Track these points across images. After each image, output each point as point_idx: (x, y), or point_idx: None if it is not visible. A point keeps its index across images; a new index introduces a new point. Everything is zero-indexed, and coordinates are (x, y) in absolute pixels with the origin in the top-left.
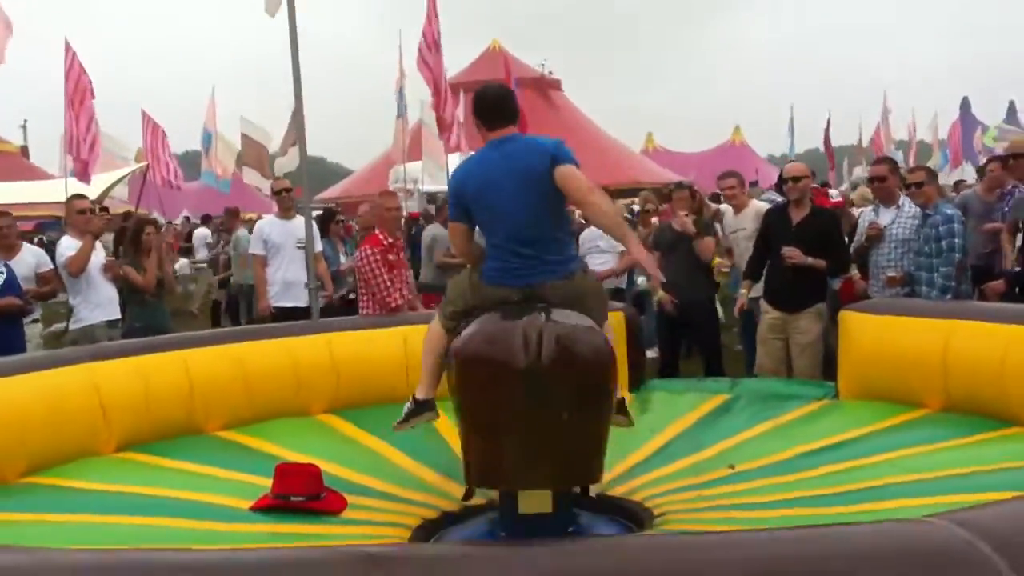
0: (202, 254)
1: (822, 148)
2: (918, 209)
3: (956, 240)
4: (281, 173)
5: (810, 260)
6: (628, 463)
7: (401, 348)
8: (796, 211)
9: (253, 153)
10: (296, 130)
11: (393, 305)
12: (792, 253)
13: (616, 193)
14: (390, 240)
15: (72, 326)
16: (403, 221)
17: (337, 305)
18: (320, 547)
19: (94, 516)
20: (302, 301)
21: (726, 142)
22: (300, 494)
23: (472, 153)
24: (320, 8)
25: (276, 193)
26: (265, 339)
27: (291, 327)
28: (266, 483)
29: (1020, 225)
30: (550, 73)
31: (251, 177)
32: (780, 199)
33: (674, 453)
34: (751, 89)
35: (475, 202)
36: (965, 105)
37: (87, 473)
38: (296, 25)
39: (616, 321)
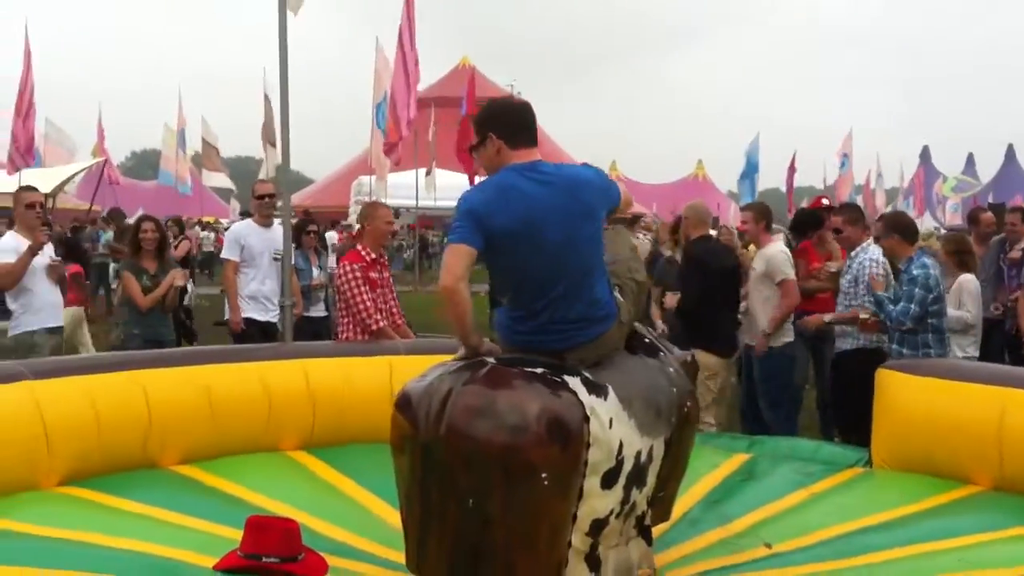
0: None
1: (783, 188)
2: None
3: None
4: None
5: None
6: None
7: (386, 379)
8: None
9: (211, 155)
10: (281, 132)
11: (374, 327)
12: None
13: None
14: (373, 256)
15: (9, 332)
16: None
17: (304, 324)
18: None
19: (30, 569)
20: (273, 317)
21: (688, 176)
22: (275, 554)
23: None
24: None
25: (259, 198)
26: (234, 362)
27: (262, 350)
28: (233, 535)
29: None
30: (519, 94)
31: (211, 180)
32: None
33: (700, 524)
34: (716, 124)
35: (511, 241)
36: (925, 155)
37: (25, 511)
38: (286, 28)
39: None
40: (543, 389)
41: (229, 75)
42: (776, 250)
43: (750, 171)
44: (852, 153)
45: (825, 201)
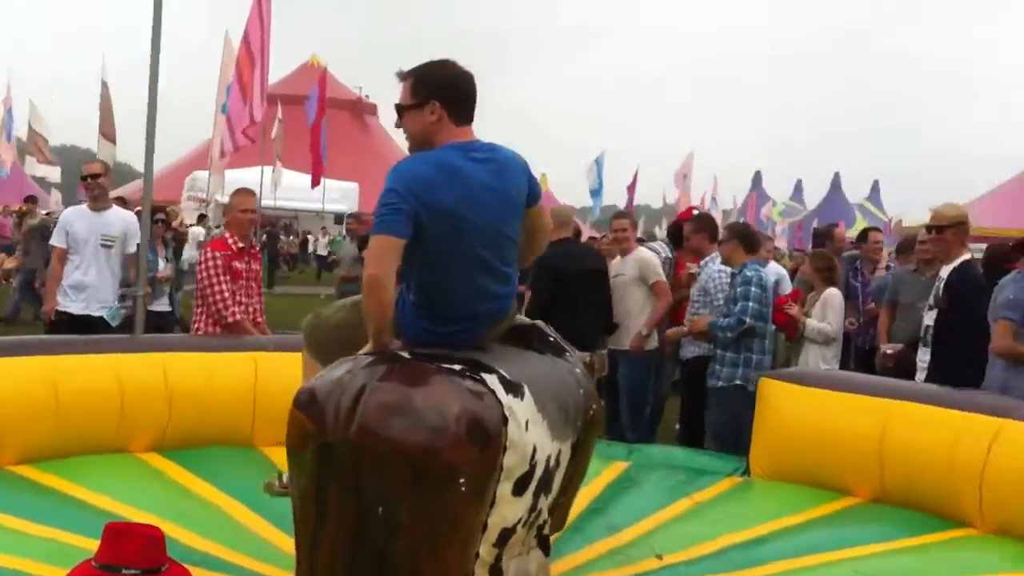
0: None
1: (621, 205)
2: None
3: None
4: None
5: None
6: None
7: (251, 377)
8: None
9: (39, 143)
10: (147, 127)
11: (230, 320)
12: None
13: None
14: (240, 245)
15: None
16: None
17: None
18: None
19: None
20: (95, 310)
21: None
22: (135, 565)
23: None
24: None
25: (83, 179)
26: (85, 353)
27: (115, 342)
28: (83, 544)
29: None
30: (367, 97)
31: (40, 171)
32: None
33: (586, 533)
34: (557, 141)
35: (446, 221)
36: (757, 179)
37: None
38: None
39: None
40: (463, 387)
41: (59, 65)
42: (648, 254)
43: (600, 187)
44: (692, 174)
45: (696, 211)
